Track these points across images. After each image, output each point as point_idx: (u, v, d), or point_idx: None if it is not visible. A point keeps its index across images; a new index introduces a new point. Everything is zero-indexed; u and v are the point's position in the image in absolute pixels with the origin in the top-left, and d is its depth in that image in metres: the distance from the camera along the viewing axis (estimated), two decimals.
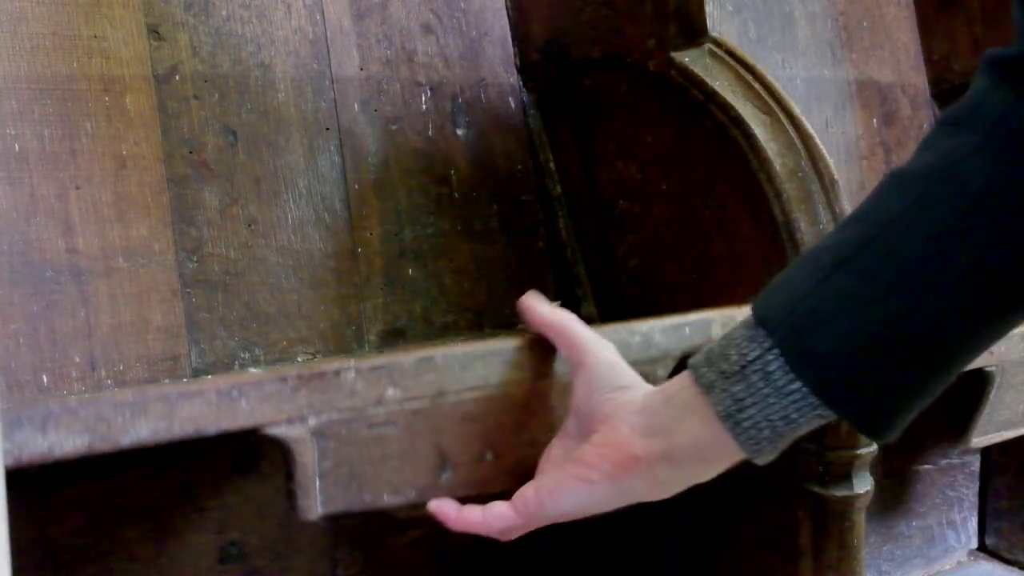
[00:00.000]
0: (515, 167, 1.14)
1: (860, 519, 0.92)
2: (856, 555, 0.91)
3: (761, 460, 0.56)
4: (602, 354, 0.64)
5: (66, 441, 0.51)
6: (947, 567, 1.49)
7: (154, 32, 0.93)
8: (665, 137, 1.01)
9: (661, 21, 0.98)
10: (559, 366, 0.68)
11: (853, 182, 1.45)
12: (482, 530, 0.63)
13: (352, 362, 0.61)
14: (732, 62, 0.95)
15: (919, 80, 1.57)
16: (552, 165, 1.16)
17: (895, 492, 1.41)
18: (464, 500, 0.66)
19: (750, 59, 0.94)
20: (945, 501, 1.48)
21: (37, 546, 0.77)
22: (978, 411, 1.08)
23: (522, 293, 0.71)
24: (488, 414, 0.66)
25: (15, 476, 0.75)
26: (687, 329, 0.75)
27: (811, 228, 0.90)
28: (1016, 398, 1.11)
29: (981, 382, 1.08)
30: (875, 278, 0.51)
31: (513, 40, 1.16)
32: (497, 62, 1.14)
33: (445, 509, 0.64)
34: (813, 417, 0.53)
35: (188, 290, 0.90)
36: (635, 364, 0.68)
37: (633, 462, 0.57)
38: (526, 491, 0.61)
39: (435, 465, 0.64)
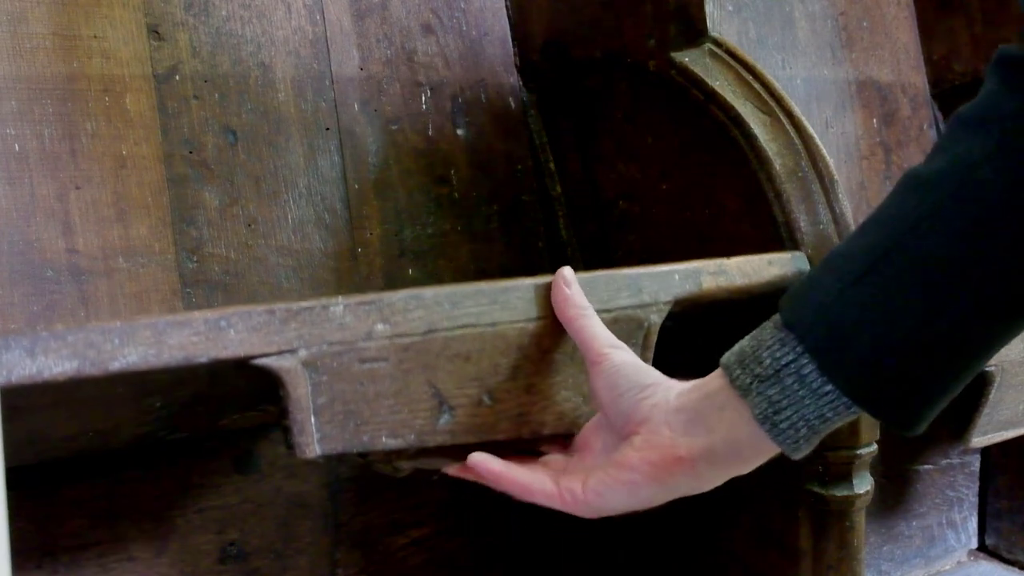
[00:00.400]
0: (515, 167, 1.14)
1: (860, 519, 0.92)
2: (856, 555, 0.91)
3: (798, 455, 0.57)
4: (620, 354, 0.65)
5: (55, 365, 0.51)
6: (947, 567, 1.49)
7: (154, 32, 0.93)
8: (665, 137, 1.01)
9: (661, 21, 0.98)
10: (551, 309, 0.69)
11: (853, 182, 1.45)
12: (524, 496, 0.64)
13: (340, 297, 0.61)
14: (732, 62, 0.95)
15: (919, 80, 1.57)
16: (552, 165, 1.16)
17: (895, 492, 1.41)
18: (466, 447, 0.67)
19: (750, 59, 0.94)
20: (945, 501, 1.48)
21: (37, 546, 0.77)
22: (978, 411, 1.08)
23: None
24: (481, 354, 0.66)
25: (16, 476, 0.75)
26: (676, 276, 0.75)
27: (811, 228, 0.90)
28: (1016, 398, 1.11)
29: (981, 382, 1.07)
30: (898, 286, 0.53)
31: (513, 40, 1.16)
32: (497, 62, 1.14)
33: (490, 464, 0.65)
34: (848, 415, 0.55)
35: (188, 290, 0.90)
36: (627, 309, 0.69)
37: (676, 463, 0.59)
38: (574, 486, 0.62)
39: (432, 407, 0.65)
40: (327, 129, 1.02)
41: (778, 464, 0.92)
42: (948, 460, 1.47)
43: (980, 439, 1.11)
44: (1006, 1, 1.49)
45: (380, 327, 0.62)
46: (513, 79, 1.15)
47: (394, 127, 1.06)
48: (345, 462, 0.93)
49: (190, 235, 0.91)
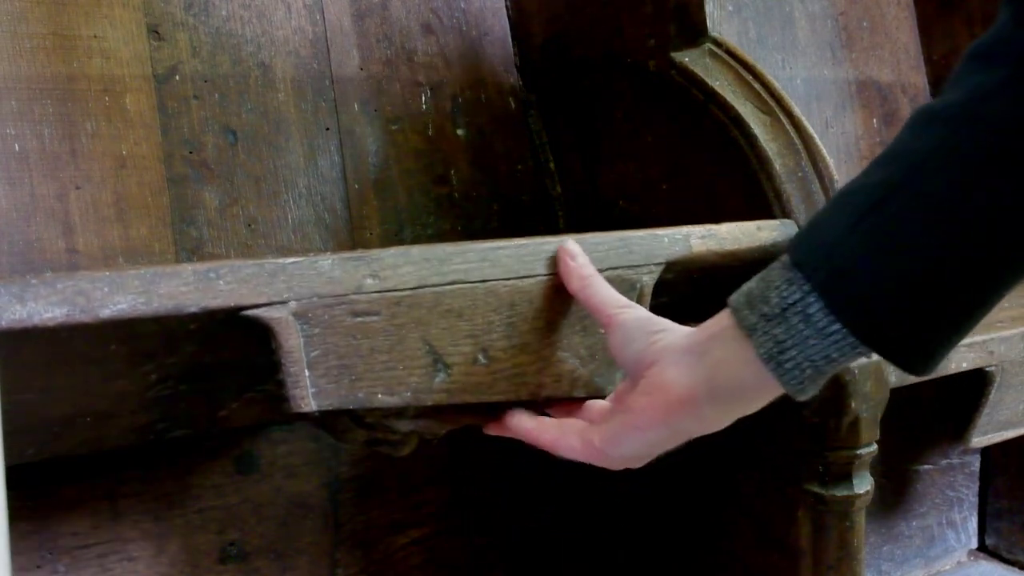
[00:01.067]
0: (515, 167, 1.14)
1: (860, 519, 0.92)
2: (856, 555, 0.91)
3: (803, 397, 0.57)
4: (630, 312, 0.65)
5: (45, 311, 0.51)
6: (947, 567, 1.49)
7: (154, 32, 0.93)
8: (665, 137, 1.01)
9: (661, 21, 0.98)
10: (540, 267, 0.69)
11: None
12: (554, 451, 0.65)
13: (328, 253, 0.62)
14: (732, 62, 0.95)
15: (919, 80, 1.57)
16: (552, 165, 1.16)
17: (895, 492, 1.41)
18: (464, 408, 0.67)
19: (750, 59, 0.94)
20: (945, 501, 1.48)
21: (37, 546, 0.77)
22: (978, 411, 1.08)
23: None
24: (474, 310, 0.66)
25: (16, 476, 0.75)
26: (665, 239, 0.76)
27: None
28: (1016, 398, 1.11)
29: (981, 382, 1.07)
30: (907, 221, 0.51)
31: (513, 40, 1.16)
32: (497, 62, 1.14)
33: (524, 422, 0.67)
34: (853, 355, 0.54)
35: None
36: (619, 269, 0.70)
37: (679, 405, 0.58)
38: (593, 436, 0.63)
39: (427, 364, 0.64)
40: (327, 129, 1.02)
41: (778, 464, 0.92)
42: (948, 460, 1.47)
43: (980, 439, 1.11)
44: None
45: (370, 281, 0.62)
46: (513, 79, 1.15)
47: (394, 127, 1.06)
48: (345, 462, 0.93)
49: (190, 235, 0.91)
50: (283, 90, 1.00)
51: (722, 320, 0.58)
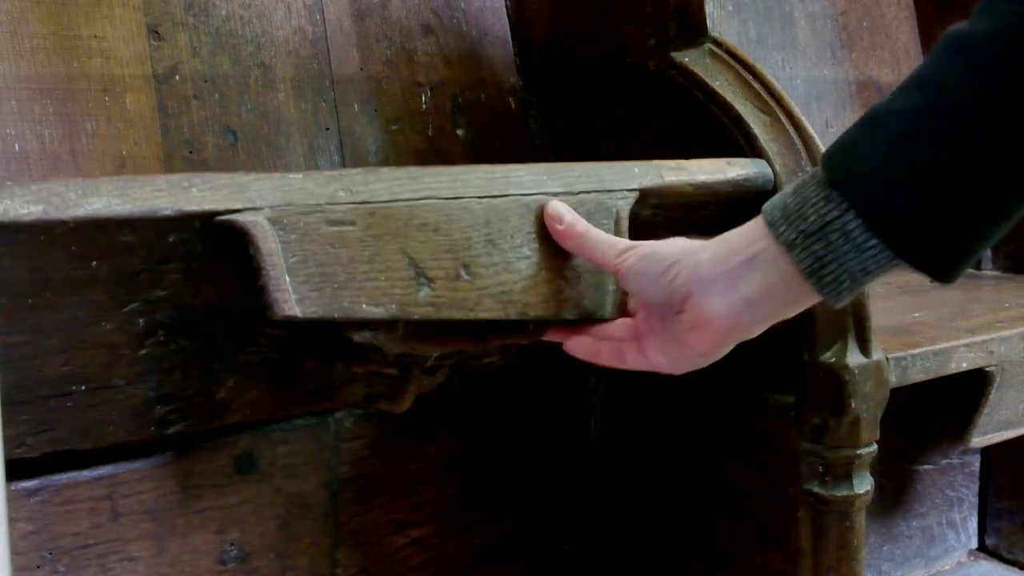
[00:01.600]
0: None
1: (860, 519, 0.92)
2: (856, 555, 0.91)
3: (840, 304, 0.61)
4: (633, 254, 0.68)
5: (21, 207, 0.53)
6: (947, 567, 1.49)
7: (154, 32, 0.93)
8: (665, 137, 1.01)
9: (661, 21, 0.98)
10: (513, 188, 0.71)
11: None
12: (618, 365, 0.70)
13: (298, 172, 0.64)
14: (732, 62, 0.95)
15: None
16: None
17: (895, 492, 1.41)
18: (454, 328, 0.70)
19: (750, 59, 0.94)
20: (945, 501, 1.48)
21: (37, 546, 0.77)
22: (978, 411, 1.08)
23: None
24: (450, 225, 0.68)
25: (16, 475, 0.75)
26: (636, 169, 0.78)
27: None
28: (1016, 398, 1.11)
29: (981, 382, 1.08)
30: (940, 149, 0.55)
31: (513, 40, 1.16)
32: (497, 62, 1.14)
33: (583, 342, 0.71)
34: (889, 267, 0.58)
35: None
36: (591, 193, 0.73)
37: (728, 332, 0.63)
38: (660, 360, 0.67)
39: (409, 276, 0.66)
40: (327, 129, 1.02)
41: (778, 464, 0.92)
42: (948, 460, 1.47)
43: (980, 439, 1.11)
44: None
45: (342, 194, 0.64)
46: (513, 79, 1.15)
47: (394, 127, 1.06)
48: (345, 462, 0.93)
49: None
50: (283, 90, 1.00)
51: (757, 235, 0.61)
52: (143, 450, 0.82)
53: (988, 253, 1.55)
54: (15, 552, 0.73)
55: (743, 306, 0.61)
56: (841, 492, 0.90)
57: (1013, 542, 1.51)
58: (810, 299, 0.61)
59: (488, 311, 0.69)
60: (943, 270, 0.57)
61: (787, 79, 1.39)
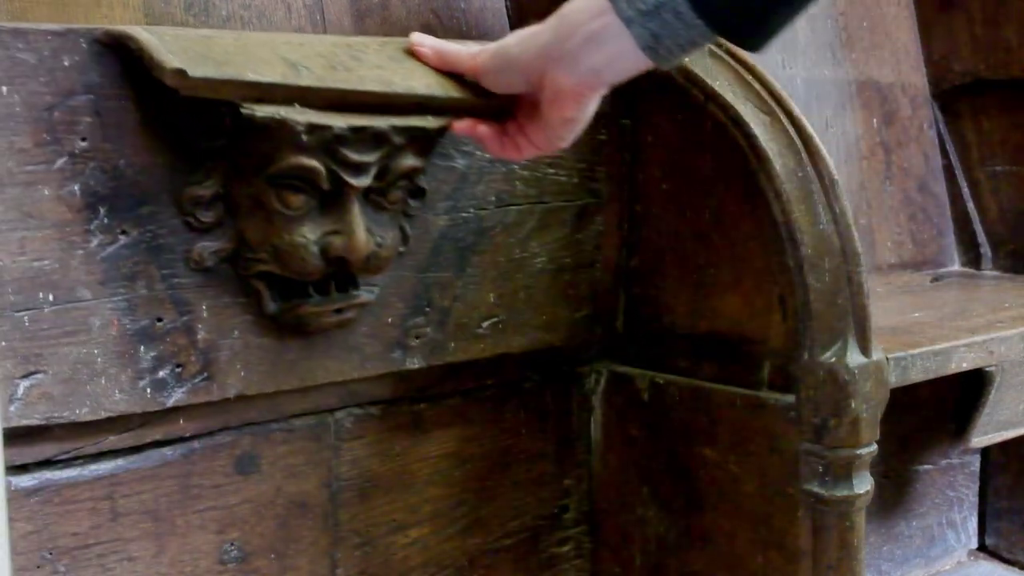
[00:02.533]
0: None
1: (860, 519, 0.92)
2: (856, 555, 0.92)
3: (669, 67, 0.72)
4: (484, 53, 0.77)
5: None
6: (947, 567, 1.49)
7: None
8: (665, 137, 1.01)
9: None
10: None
11: (853, 182, 1.45)
12: (516, 157, 0.82)
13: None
14: (732, 62, 0.95)
15: (919, 80, 1.57)
16: None
17: (895, 492, 1.41)
18: (354, 93, 0.75)
19: (750, 59, 0.95)
20: (945, 501, 1.48)
21: (37, 546, 0.77)
22: (978, 411, 1.08)
23: None
24: (316, 42, 0.78)
25: (16, 475, 0.75)
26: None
27: (811, 228, 0.90)
28: (1016, 398, 1.11)
29: (981, 382, 1.08)
30: None
31: None
32: None
33: (486, 131, 0.81)
34: (711, 39, 0.69)
35: None
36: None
37: (582, 98, 0.74)
38: (540, 140, 0.78)
39: (288, 65, 0.73)
40: None
41: (778, 464, 0.92)
42: (948, 460, 1.47)
43: (980, 439, 1.12)
44: (1006, 1, 1.49)
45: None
46: None
47: None
48: (345, 461, 0.93)
49: None
50: None
51: (592, 14, 0.70)
52: (143, 451, 0.82)
53: (988, 253, 1.55)
54: (15, 552, 0.73)
55: (591, 74, 0.72)
56: (841, 492, 0.90)
57: (1013, 542, 1.52)
58: (644, 66, 0.71)
59: (373, 84, 0.76)
60: (755, 43, 0.70)
61: (787, 79, 1.39)
